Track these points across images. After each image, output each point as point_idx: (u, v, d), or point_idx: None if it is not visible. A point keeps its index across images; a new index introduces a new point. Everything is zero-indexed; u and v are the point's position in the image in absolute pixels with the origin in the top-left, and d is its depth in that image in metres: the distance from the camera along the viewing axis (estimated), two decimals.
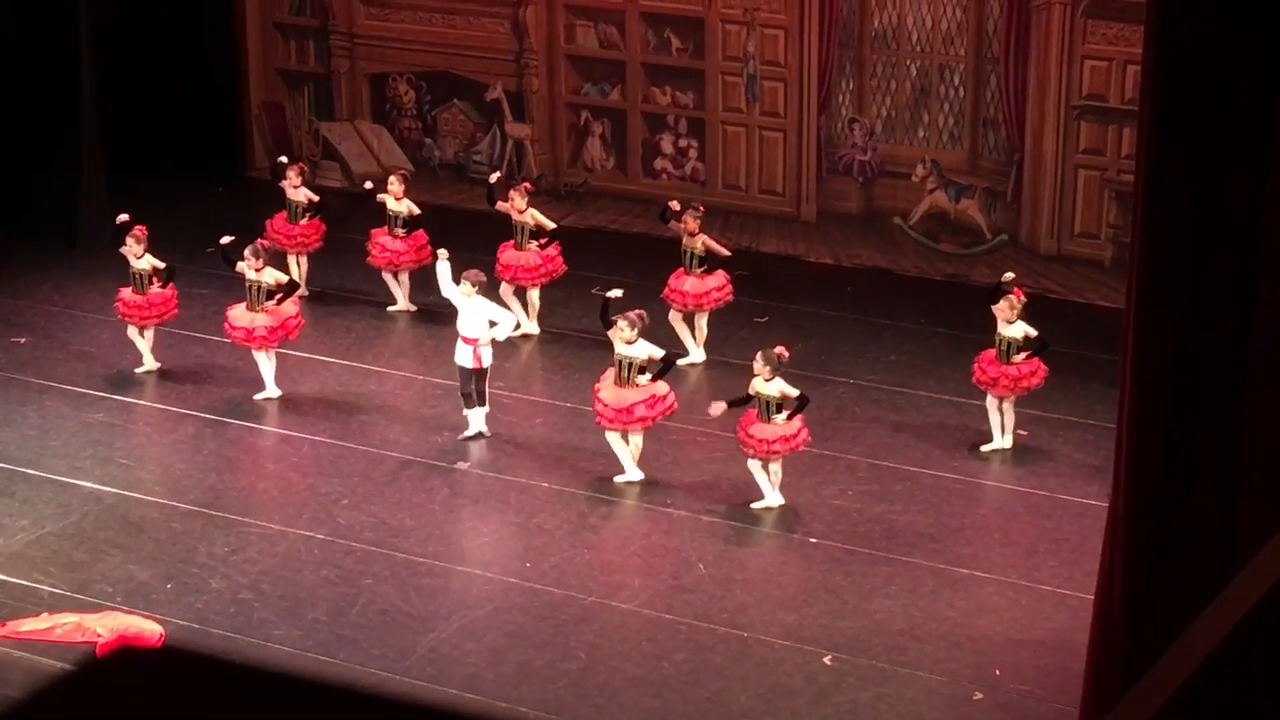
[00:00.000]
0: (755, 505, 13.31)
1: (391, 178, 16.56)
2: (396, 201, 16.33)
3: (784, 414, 13.06)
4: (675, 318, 15.57)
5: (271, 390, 14.87)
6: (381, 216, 16.44)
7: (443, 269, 14.43)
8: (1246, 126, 8.59)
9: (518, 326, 15.23)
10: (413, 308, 16.50)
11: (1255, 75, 8.48)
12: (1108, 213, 16.98)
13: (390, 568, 12.61)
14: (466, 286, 14.08)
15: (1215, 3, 8.48)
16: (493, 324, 14.13)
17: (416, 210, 16.37)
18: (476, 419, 14.20)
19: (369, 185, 16.99)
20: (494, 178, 16.78)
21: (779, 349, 13.21)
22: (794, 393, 13.08)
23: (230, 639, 11.71)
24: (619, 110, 18.75)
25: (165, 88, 19.51)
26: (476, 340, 14.06)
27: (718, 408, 13.42)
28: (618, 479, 13.64)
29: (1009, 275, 14.41)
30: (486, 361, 14.13)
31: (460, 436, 14.19)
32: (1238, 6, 8.43)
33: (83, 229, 17.59)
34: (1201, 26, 8.52)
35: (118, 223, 15.24)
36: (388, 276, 16.54)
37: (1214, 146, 8.69)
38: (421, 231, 16.37)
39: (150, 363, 15.26)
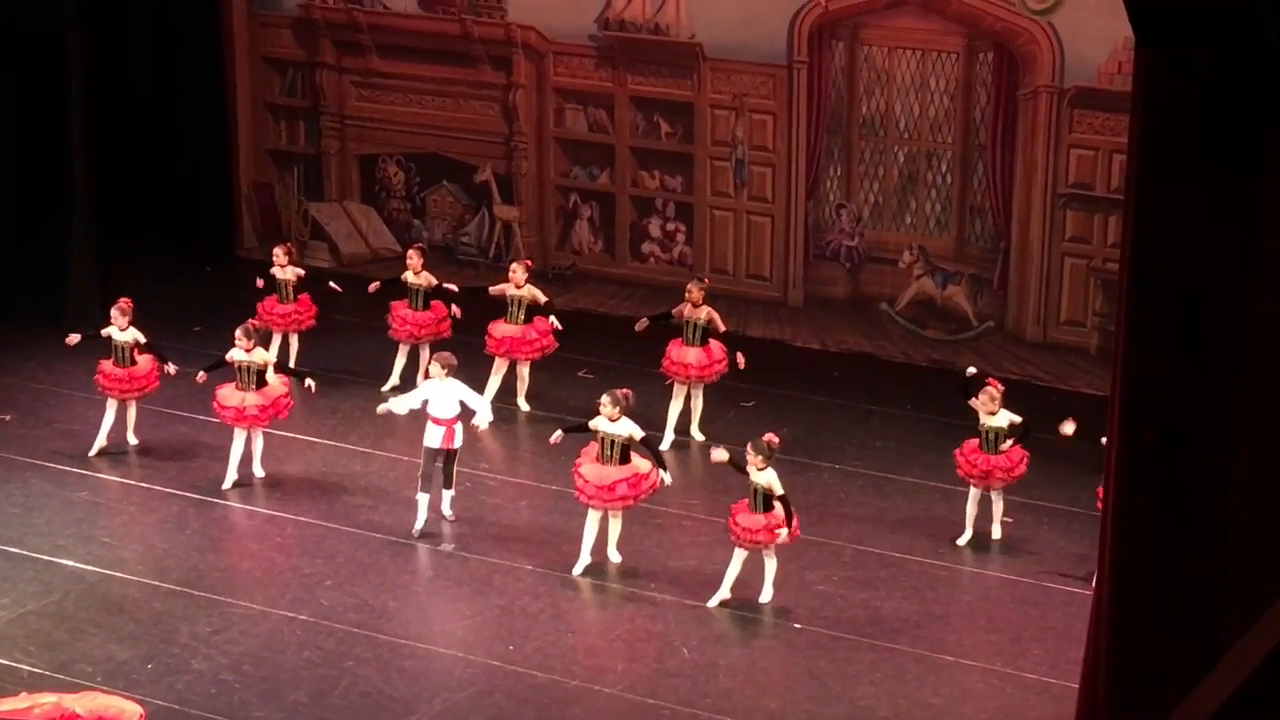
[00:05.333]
0: (710, 603, 13.16)
1: (410, 251, 16.72)
2: (415, 275, 16.44)
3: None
4: (679, 393, 15.58)
5: (257, 470, 14.86)
6: (398, 290, 16.60)
7: (399, 403, 14.37)
8: (1232, 215, 8.63)
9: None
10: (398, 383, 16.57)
11: (1240, 163, 8.53)
12: (1093, 300, 17.04)
13: (373, 649, 12.54)
14: (436, 369, 14.10)
15: (1200, 91, 8.54)
16: (463, 406, 14.05)
17: (434, 281, 16.48)
18: (425, 505, 14.05)
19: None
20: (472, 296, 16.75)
21: (768, 436, 13.13)
22: (780, 491, 12.92)
23: None
24: (607, 193, 18.82)
25: (156, 167, 19.56)
26: (449, 421, 14.00)
27: (719, 455, 13.35)
28: (575, 570, 13.57)
29: (972, 370, 14.40)
30: (458, 443, 14.07)
31: (414, 531, 14.06)
32: (1223, 95, 8.49)
33: (70, 306, 17.58)
34: (1186, 115, 8.58)
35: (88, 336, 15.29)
36: (402, 350, 16.60)
37: (1200, 235, 8.72)
38: (439, 304, 16.49)
39: (102, 441, 15.22)
